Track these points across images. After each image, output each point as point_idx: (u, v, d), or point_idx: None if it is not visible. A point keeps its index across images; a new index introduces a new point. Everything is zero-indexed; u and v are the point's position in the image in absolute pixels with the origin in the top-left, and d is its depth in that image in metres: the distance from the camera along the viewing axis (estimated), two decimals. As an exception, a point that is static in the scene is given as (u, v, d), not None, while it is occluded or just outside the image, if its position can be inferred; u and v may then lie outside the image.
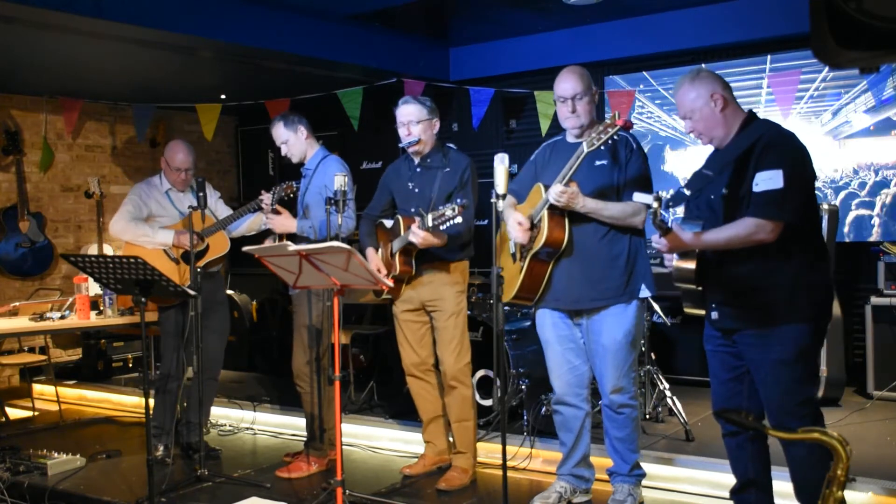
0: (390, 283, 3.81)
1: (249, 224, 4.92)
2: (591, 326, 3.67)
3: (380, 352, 6.38)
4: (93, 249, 7.01)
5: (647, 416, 4.89)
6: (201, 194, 4.40)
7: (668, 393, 4.80)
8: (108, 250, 6.96)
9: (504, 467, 3.30)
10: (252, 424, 5.64)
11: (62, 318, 5.29)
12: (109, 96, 7.25)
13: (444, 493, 4.14)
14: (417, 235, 3.91)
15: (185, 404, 4.98)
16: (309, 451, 4.55)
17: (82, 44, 5.38)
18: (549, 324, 3.78)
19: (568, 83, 3.62)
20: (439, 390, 4.37)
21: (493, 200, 3.32)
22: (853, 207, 5.72)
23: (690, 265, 3.08)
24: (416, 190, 4.21)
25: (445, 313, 4.17)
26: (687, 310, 3.25)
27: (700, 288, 3.13)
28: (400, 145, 4.22)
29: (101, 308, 5.41)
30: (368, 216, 4.41)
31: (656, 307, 4.96)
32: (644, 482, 3.88)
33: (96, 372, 6.97)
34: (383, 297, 4.42)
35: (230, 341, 5.08)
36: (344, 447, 3.75)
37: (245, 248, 3.66)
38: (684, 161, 6.23)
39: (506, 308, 5.02)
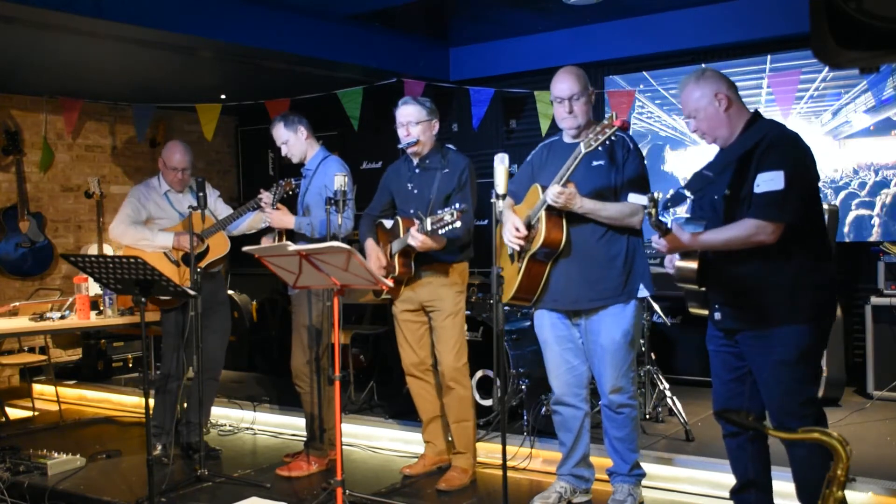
0: (390, 283, 3.81)
1: (249, 223, 4.90)
2: (589, 327, 3.67)
3: (380, 352, 6.38)
4: (93, 249, 7.02)
5: (647, 416, 4.89)
6: (201, 194, 4.39)
7: (668, 393, 4.80)
8: (108, 250, 6.95)
9: (504, 467, 3.29)
10: (252, 424, 5.64)
11: (62, 318, 5.28)
12: (109, 96, 7.24)
13: (444, 494, 4.14)
14: (416, 239, 3.91)
15: (185, 404, 4.98)
16: (309, 451, 4.55)
17: (82, 44, 5.38)
18: (547, 324, 3.78)
19: (565, 83, 3.61)
20: (438, 390, 4.37)
21: (492, 201, 3.31)
22: (853, 207, 5.72)
23: (692, 265, 3.07)
24: (415, 191, 4.20)
25: (444, 313, 4.17)
26: (692, 310, 3.25)
27: (703, 288, 3.13)
28: (399, 146, 4.22)
29: (101, 308, 5.40)
30: (368, 216, 4.41)
31: (656, 307, 4.95)
32: (644, 482, 3.88)
33: (96, 372, 6.97)
34: (383, 297, 4.43)
35: (230, 341, 5.09)
36: (344, 447, 3.74)
37: (245, 249, 3.66)
38: (684, 161, 6.22)
39: (506, 308, 5.02)
